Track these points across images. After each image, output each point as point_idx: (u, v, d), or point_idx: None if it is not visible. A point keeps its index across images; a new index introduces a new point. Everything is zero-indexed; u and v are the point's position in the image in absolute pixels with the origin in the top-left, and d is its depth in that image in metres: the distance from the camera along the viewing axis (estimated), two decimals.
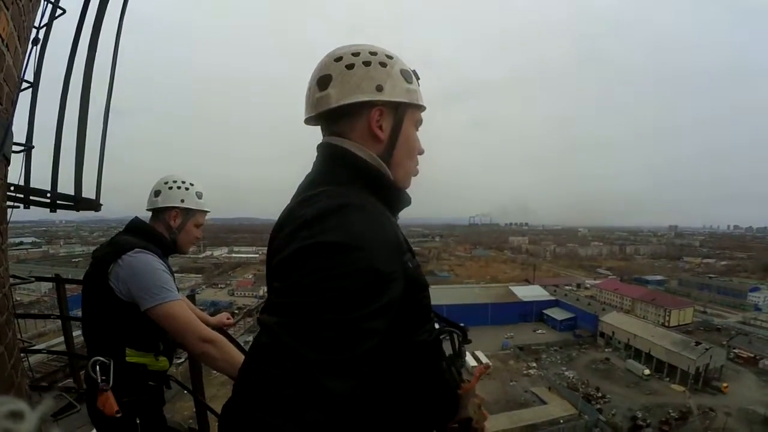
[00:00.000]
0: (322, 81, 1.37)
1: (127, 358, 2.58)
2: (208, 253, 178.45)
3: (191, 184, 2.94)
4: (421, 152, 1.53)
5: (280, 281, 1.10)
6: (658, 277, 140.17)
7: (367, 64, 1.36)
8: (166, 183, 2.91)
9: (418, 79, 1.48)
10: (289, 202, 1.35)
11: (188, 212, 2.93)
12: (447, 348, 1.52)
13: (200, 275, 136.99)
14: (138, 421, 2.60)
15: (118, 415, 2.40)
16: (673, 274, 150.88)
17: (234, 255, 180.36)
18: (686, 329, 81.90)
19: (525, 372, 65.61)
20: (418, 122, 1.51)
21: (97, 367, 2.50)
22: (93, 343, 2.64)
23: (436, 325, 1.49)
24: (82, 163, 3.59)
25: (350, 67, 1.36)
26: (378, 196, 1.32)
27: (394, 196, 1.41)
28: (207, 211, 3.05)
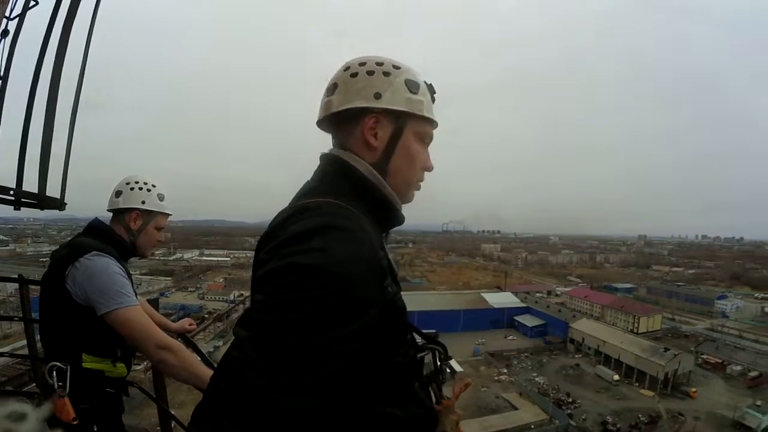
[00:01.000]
0: (330, 88, 1.43)
1: (84, 364, 2.51)
2: (179, 255, 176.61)
3: (153, 186, 2.89)
4: (429, 169, 1.54)
5: (259, 295, 1.12)
6: (628, 285, 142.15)
7: (370, 73, 1.39)
8: (127, 183, 2.85)
9: (433, 93, 1.50)
10: (279, 211, 1.34)
11: (149, 214, 2.88)
12: (429, 364, 1.58)
13: (170, 278, 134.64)
14: (95, 429, 2.53)
15: (75, 423, 2.34)
16: (642, 281, 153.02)
17: (204, 258, 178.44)
18: (655, 336, 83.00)
19: (496, 378, 65.49)
20: (426, 136, 1.50)
21: (54, 372, 2.42)
22: (50, 348, 2.59)
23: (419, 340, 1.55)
24: (48, 161, 3.39)
25: (354, 75, 1.40)
26: (372, 212, 1.35)
27: (388, 216, 1.43)
28: (169, 214, 3.00)
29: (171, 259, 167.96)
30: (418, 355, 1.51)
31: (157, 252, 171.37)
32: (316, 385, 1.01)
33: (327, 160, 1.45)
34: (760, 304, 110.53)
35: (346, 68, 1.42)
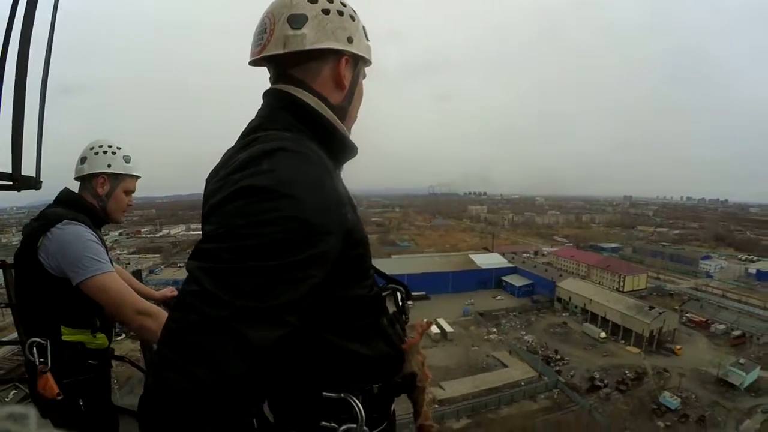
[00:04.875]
0: (294, 19, 1.33)
1: (63, 337, 2.51)
2: (165, 231, 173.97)
3: (118, 148, 2.84)
4: None
5: (210, 225, 1.07)
6: (613, 245, 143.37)
7: (340, 13, 1.39)
8: (91, 149, 2.80)
9: (366, 33, 1.53)
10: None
11: (116, 178, 2.83)
12: (390, 306, 1.60)
13: (158, 255, 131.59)
14: (81, 403, 2.54)
15: (60, 398, 2.34)
16: (628, 242, 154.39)
17: (192, 233, 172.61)
18: (640, 294, 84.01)
19: (486, 337, 66.42)
20: (365, 75, 1.59)
21: (34, 348, 2.44)
22: (29, 324, 2.60)
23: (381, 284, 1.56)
24: (20, 140, 3.25)
25: (326, 12, 1.36)
26: (323, 146, 1.32)
27: (341, 145, 1.43)
28: (137, 176, 2.94)
29: (158, 236, 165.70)
30: (382, 294, 1.54)
31: (143, 229, 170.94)
32: (276, 313, 0.97)
33: (274, 95, 1.41)
34: (744, 265, 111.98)
35: (313, 0, 1.36)
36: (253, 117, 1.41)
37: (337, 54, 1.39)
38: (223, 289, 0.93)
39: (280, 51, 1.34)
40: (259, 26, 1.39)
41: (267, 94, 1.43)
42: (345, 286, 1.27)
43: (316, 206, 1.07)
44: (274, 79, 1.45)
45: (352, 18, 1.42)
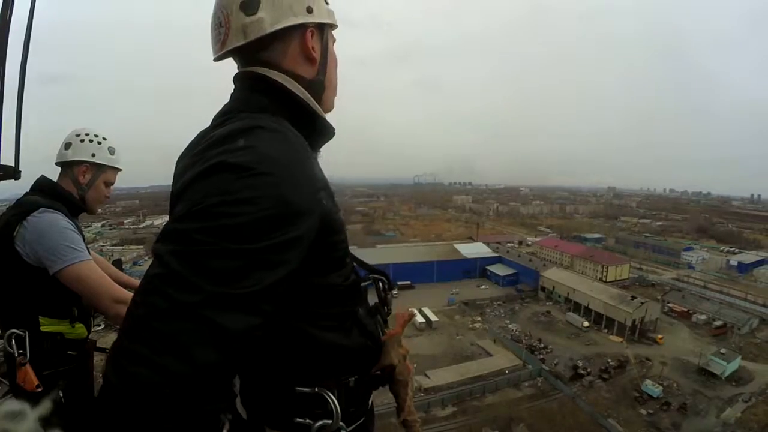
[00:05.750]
0: (246, 5, 1.27)
1: (42, 328, 2.49)
2: (149, 222, 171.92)
3: (104, 139, 2.82)
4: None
5: (180, 205, 1.00)
6: (597, 235, 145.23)
7: None
8: (77, 135, 2.77)
9: None
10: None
11: (99, 168, 2.80)
12: (373, 296, 1.57)
13: (141, 246, 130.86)
14: (61, 395, 2.43)
15: (40, 390, 2.30)
16: (611, 232, 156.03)
17: None
18: (623, 284, 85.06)
19: (470, 326, 66.79)
20: (334, 40, 1.52)
21: (13, 340, 2.41)
22: (6, 315, 2.52)
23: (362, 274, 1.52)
24: None
25: None
26: (300, 128, 1.26)
27: (319, 126, 1.38)
28: (119, 169, 2.93)
29: (141, 227, 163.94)
30: (362, 285, 1.47)
31: (126, 221, 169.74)
32: (250, 299, 0.91)
33: (246, 78, 1.35)
34: (725, 257, 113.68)
35: None
36: (227, 102, 1.36)
37: (301, 28, 1.32)
38: (194, 272, 0.87)
39: (242, 42, 1.28)
40: (214, 20, 1.34)
41: (238, 78, 1.38)
42: (319, 273, 1.22)
43: (295, 187, 1.02)
44: (241, 66, 1.38)
45: None
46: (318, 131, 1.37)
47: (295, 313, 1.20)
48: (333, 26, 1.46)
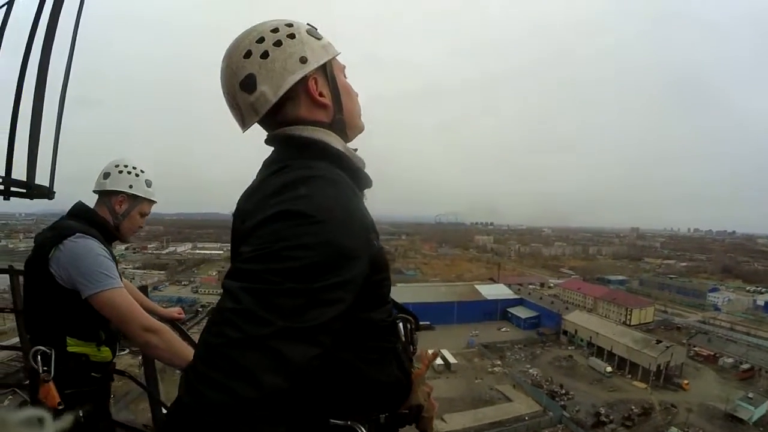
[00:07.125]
0: (246, 84, 1.34)
1: (68, 348, 2.51)
2: (172, 248, 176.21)
3: (142, 171, 2.89)
4: (356, 93, 1.57)
5: (247, 247, 1.09)
6: (620, 277, 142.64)
7: (278, 44, 1.35)
8: (116, 166, 2.83)
9: (316, 29, 1.48)
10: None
11: (135, 199, 2.86)
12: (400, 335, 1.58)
13: (163, 272, 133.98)
14: (81, 414, 2.47)
15: (60, 408, 2.31)
16: (635, 274, 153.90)
17: (198, 251, 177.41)
18: (647, 328, 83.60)
19: (490, 370, 65.77)
20: (342, 68, 1.54)
21: (38, 356, 2.43)
22: (35, 332, 2.60)
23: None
24: (36, 149, 3.28)
25: (266, 55, 1.33)
26: (347, 174, 1.32)
27: (358, 175, 1.41)
28: (154, 201, 2.99)
29: (164, 252, 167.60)
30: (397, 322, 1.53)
31: (150, 245, 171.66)
32: (314, 332, 1.00)
33: (282, 139, 1.40)
34: (752, 297, 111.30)
35: (247, 54, 1.33)
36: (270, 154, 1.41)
37: (302, 81, 1.36)
38: (264, 308, 0.96)
39: (257, 119, 1.38)
40: (227, 103, 1.42)
41: (274, 140, 1.42)
42: (367, 309, 1.29)
43: (349, 232, 1.11)
44: (270, 130, 1.45)
45: (291, 36, 1.36)
46: (360, 178, 1.42)
47: (341, 345, 1.24)
48: (335, 56, 1.48)
